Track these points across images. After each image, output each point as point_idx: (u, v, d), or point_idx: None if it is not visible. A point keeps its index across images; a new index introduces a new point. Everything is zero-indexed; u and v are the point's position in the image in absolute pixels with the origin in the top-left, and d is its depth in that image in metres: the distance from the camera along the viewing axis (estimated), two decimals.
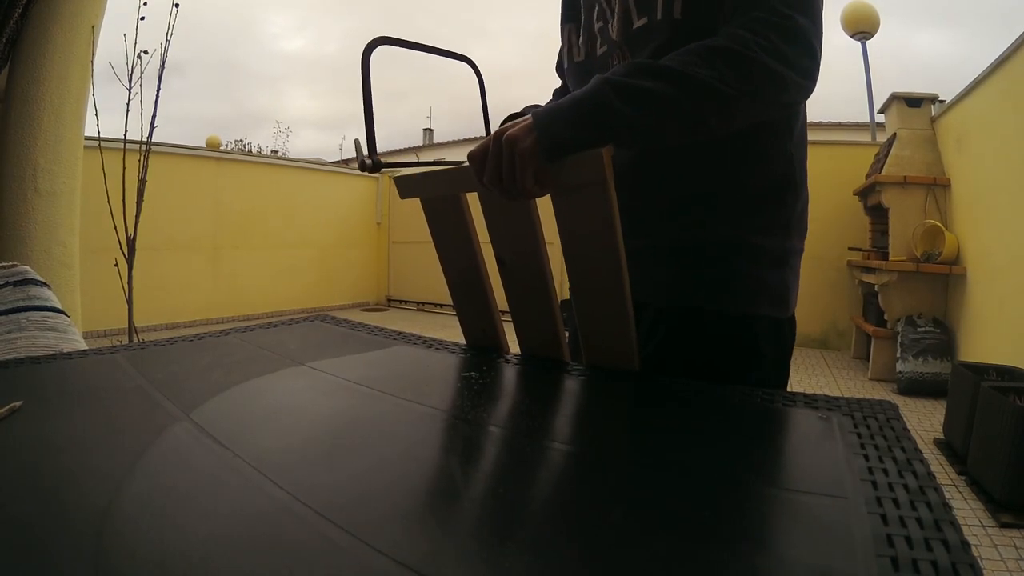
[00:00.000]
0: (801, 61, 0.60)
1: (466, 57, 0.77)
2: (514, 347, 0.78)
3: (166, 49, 3.02)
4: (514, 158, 0.58)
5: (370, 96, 0.64)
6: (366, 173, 0.64)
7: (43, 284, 1.27)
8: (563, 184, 0.59)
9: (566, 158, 0.58)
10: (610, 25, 0.74)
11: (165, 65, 3.01)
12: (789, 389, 0.68)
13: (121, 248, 2.96)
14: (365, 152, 0.63)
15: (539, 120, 0.59)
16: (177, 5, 2.99)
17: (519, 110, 0.77)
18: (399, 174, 0.73)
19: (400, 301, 7.10)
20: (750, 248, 0.71)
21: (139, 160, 2.97)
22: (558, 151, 0.58)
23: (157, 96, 3.03)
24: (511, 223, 0.68)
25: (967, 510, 1.91)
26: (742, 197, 0.71)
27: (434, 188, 0.70)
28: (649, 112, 0.58)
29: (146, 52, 2.99)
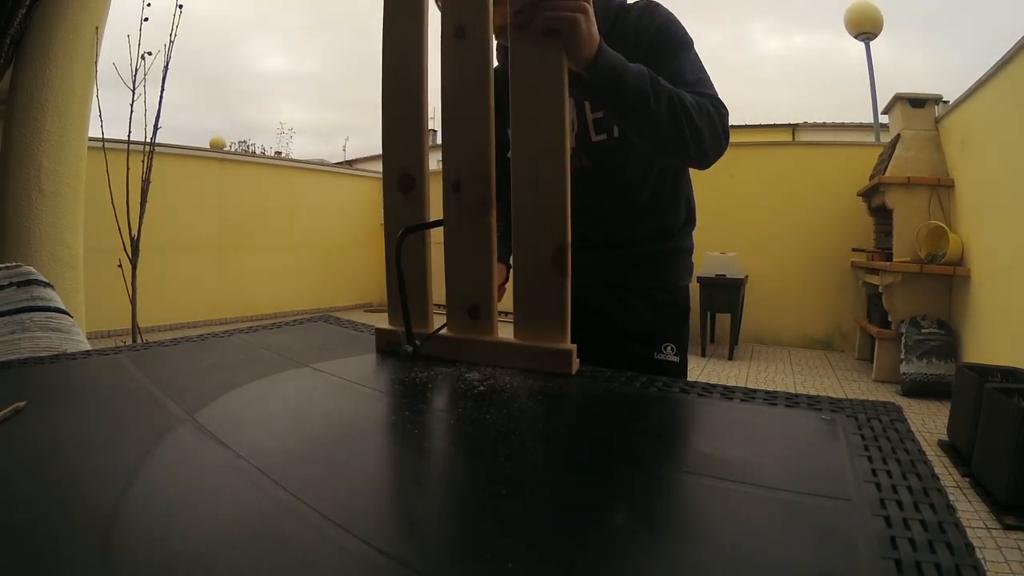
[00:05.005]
0: (726, 125, 0.83)
1: None
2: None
3: (170, 49, 3.03)
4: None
5: (403, 285, 0.70)
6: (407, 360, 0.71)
7: (47, 285, 1.27)
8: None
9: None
10: (571, 135, 0.89)
11: (169, 66, 3.03)
12: (792, 391, 0.68)
13: (125, 249, 2.97)
14: (407, 346, 0.69)
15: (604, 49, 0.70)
16: (181, 6, 3.01)
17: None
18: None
19: None
20: (660, 253, 1.00)
21: (143, 161, 2.97)
22: (605, 68, 0.69)
23: (161, 96, 3.04)
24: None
25: (971, 512, 1.90)
26: (657, 229, 0.99)
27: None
28: (659, 111, 0.75)
29: (150, 53, 3.00)
